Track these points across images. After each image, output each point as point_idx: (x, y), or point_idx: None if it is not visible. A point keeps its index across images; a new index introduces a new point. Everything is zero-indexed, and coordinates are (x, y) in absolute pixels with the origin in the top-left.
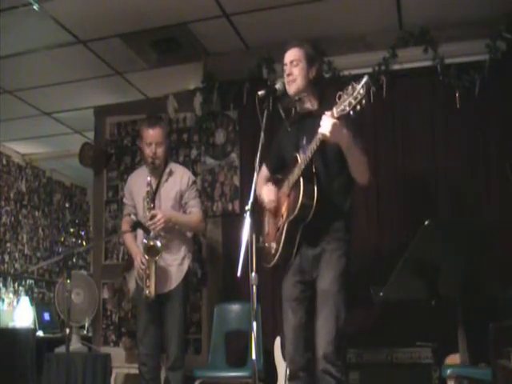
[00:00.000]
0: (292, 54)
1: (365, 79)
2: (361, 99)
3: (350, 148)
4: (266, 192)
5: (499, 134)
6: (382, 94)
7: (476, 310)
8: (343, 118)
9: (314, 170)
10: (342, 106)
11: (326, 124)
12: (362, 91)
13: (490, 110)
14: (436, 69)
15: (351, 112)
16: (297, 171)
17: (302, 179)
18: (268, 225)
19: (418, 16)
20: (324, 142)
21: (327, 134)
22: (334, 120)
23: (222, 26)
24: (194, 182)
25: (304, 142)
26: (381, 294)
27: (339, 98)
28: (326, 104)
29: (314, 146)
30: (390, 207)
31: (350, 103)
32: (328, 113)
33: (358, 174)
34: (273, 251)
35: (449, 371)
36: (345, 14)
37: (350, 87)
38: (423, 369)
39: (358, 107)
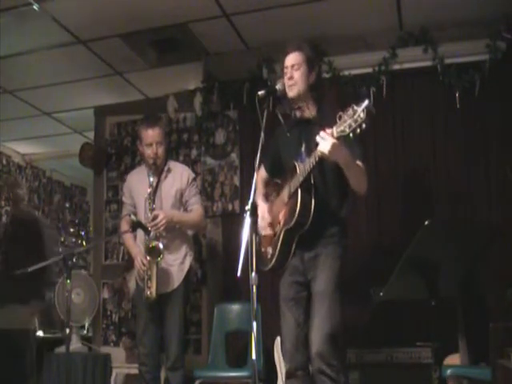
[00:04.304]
0: (293, 58)
1: (365, 103)
2: (361, 123)
3: (348, 166)
4: (261, 213)
5: (499, 133)
6: (381, 93)
7: (476, 310)
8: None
9: (312, 182)
10: (342, 128)
11: (326, 143)
12: (362, 115)
13: (490, 110)
14: (436, 69)
15: (351, 134)
16: (295, 182)
17: (300, 190)
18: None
19: (418, 16)
20: (322, 158)
21: (326, 153)
22: (334, 140)
23: (222, 26)
24: (194, 179)
25: (303, 149)
26: (381, 294)
27: (339, 118)
28: (324, 110)
29: (312, 160)
30: (389, 207)
31: (350, 125)
32: (328, 131)
33: (356, 187)
34: (269, 256)
35: (449, 371)
36: (345, 14)
37: (350, 109)
38: (423, 369)
39: (358, 131)
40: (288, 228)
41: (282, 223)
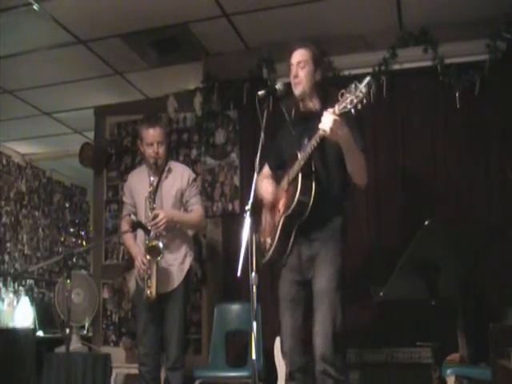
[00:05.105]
0: (299, 55)
1: (367, 79)
2: (362, 98)
3: (349, 147)
4: (265, 185)
5: (499, 133)
6: (382, 93)
7: (476, 310)
8: (345, 117)
9: (312, 168)
10: (344, 104)
11: (327, 120)
12: (364, 90)
13: (490, 110)
14: (436, 69)
15: (352, 110)
16: (296, 168)
17: (300, 175)
18: (265, 220)
19: (418, 16)
20: (324, 138)
21: (327, 129)
22: (335, 117)
23: (222, 26)
24: (195, 180)
25: (306, 142)
26: (381, 293)
27: (341, 95)
28: (328, 105)
29: (314, 142)
30: (390, 207)
31: (351, 101)
32: (330, 109)
33: (356, 175)
34: (267, 246)
35: (449, 371)
36: (345, 14)
37: (352, 86)
38: (423, 369)
39: (360, 106)
40: (287, 215)
41: (281, 211)
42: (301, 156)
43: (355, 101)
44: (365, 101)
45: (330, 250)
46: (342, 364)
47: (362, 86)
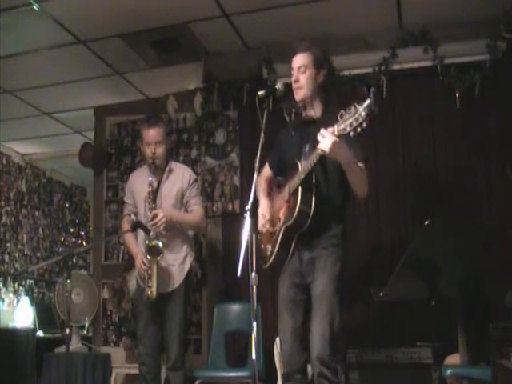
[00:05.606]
0: (300, 60)
1: (367, 102)
2: (362, 122)
3: (349, 164)
4: (261, 213)
5: (499, 133)
6: (382, 94)
7: (476, 310)
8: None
9: (313, 181)
10: (343, 126)
11: (326, 141)
12: (363, 114)
13: (490, 110)
14: (436, 69)
15: (352, 133)
16: (296, 179)
17: (300, 188)
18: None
19: (417, 16)
20: (323, 156)
21: (326, 150)
22: (334, 138)
23: (222, 26)
24: (196, 180)
25: (307, 148)
26: (381, 294)
27: (341, 116)
28: (330, 111)
29: (314, 158)
30: (389, 207)
31: (351, 124)
32: (329, 129)
33: (357, 188)
34: (268, 253)
35: (449, 371)
36: (345, 14)
37: (352, 107)
38: (423, 369)
39: (359, 129)
40: (287, 226)
41: (282, 221)
42: (302, 168)
43: (354, 124)
44: (364, 124)
45: (330, 255)
46: (339, 365)
47: (362, 110)
